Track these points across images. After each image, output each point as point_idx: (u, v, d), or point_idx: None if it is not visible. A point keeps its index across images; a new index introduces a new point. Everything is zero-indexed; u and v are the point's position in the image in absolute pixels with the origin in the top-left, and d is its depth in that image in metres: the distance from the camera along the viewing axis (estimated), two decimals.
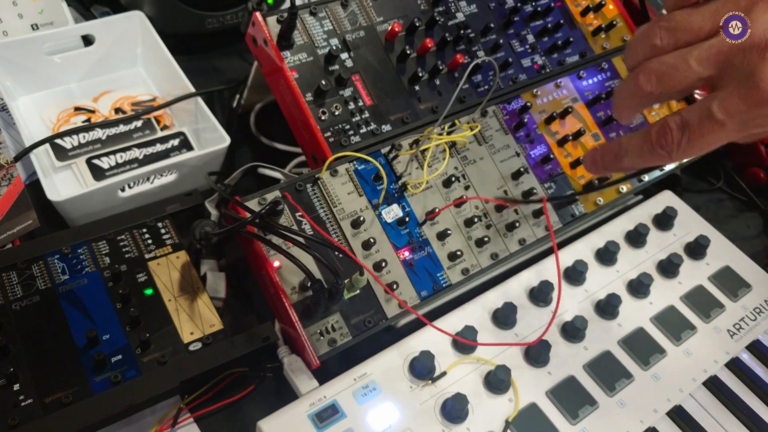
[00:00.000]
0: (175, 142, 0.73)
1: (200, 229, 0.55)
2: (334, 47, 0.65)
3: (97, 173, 0.68)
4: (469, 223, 0.64)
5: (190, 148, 0.72)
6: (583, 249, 0.67)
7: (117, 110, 0.76)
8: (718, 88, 0.40)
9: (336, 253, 0.58)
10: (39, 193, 0.61)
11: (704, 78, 0.40)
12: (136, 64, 0.81)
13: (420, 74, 0.67)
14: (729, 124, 0.39)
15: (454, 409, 0.52)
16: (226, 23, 0.83)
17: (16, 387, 0.50)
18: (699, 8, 0.40)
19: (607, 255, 0.66)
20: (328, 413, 0.51)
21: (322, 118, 0.63)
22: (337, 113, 0.63)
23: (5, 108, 0.71)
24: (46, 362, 0.52)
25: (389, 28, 0.67)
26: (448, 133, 0.66)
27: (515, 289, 0.63)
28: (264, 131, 0.77)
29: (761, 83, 0.37)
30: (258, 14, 0.63)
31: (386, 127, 0.65)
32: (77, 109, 0.75)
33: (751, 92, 0.38)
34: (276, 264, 0.56)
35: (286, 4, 0.69)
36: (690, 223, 0.72)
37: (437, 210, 0.63)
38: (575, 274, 0.64)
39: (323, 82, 0.62)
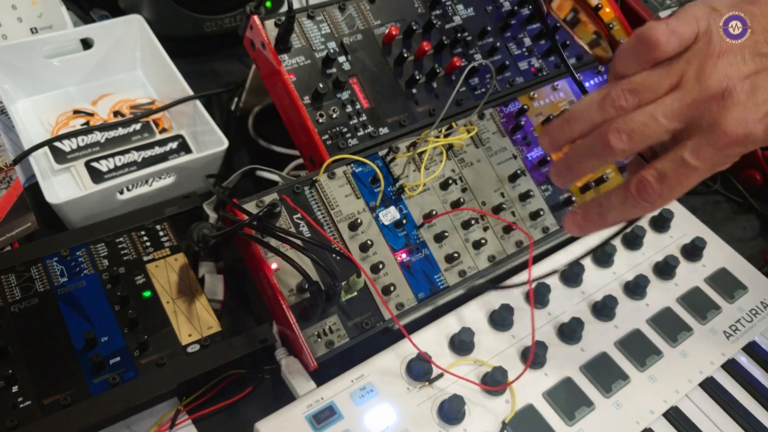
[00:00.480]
0: (174, 145, 0.73)
1: (198, 232, 0.56)
2: (332, 50, 0.65)
3: (96, 176, 0.68)
4: (466, 225, 0.64)
5: (188, 151, 0.73)
6: (580, 251, 0.67)
7: (116, 113, 0.76)
8: (686, 138, 0.43)
9: (334, 255, 0.58)
10: (38, 196, 0.61)
11: (671, 131, 0.43)
12: (134, 68, 0.81)
13: (417, 77, 0.67)
14: (702, 167, 0.42)
15: (451, 410, 0.53)
16: (225, 27, 0.84)
17: (15, 389, 0.50)
18: (655, 69, 0.43)
19: (603, 257, 0.66)
20: (326, 414, 0.52)
21: (320, 120, 0.63)
22: (334, 116, 0.64)
23: (4, 111, 0.71)
24: (44, 364, 0.52)
25: (386, 31, 0.68)
26: (445, 136, 0.66)
27: (512, 291, 0.63)
28: (262, 134, 0.78)
29: (726, 128, 0.41)
30: (256, 18, 0.63)
31: (384, 130, 0.66)
32: (76, 112, 0.75)
33: (719, 137, 0.41)
34: (273, 266, 0.57)
35: (285, 8, 0.70)
36: (686, 225, 0.72)
37: (435, 214, 0.63)
38: (572, 276, 0.64)
39: (321, 85, 0.62)
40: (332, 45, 0.66)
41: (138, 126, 0.74)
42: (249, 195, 0.58)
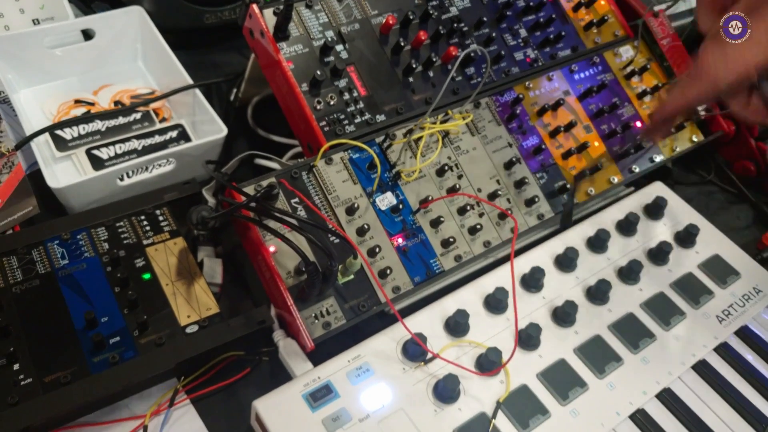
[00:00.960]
0: (174, 133, 0.74)
1: (197, 214, 0.56)
2: (330, 39, 0.66)
3: (97, 163, 0.69)
4: (462, 211, 0.65)
5: (188, 139, 0.74)
6: (575, 237, 0.68)
7: (116, 103, 0.77)
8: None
9: (331, 238, 0.59)
10: (39, 183, 0.62)
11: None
12: (135, 59, 0.82)
13: (414, 66, 0.68)
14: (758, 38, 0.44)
15: (446, 389, 0.53)
16: (224, 18, 0.85)
17: (16, 367, 0.51)
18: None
19: (597, 242, 0.67)
20: (322, 393, 0.52)
21: (318, 107, 0.64)
22: (332, 103, 0.65)
23: (7, 100, 0.72)
24: (45, 343, 0.53)
25: (384, 21, 0.69)
26: (441, 123, 0.67)
27: (507, 276, 0.63)
28: (261, 124, 0.79)
29: None
30: (255, 6, 0.64)
31: (380, 117, 0.67)
32: (77, 101, 0.76)
33: None
34: (272, 249, 0.57)
35: None
36: (680, 213, 0.73)
37: (431, 199, 0.64)
38: (566, 261, 0.65)
39: (318, 73, 0.63)
40: (330, 34, 0.67)
41: (138, 115, 0.75)
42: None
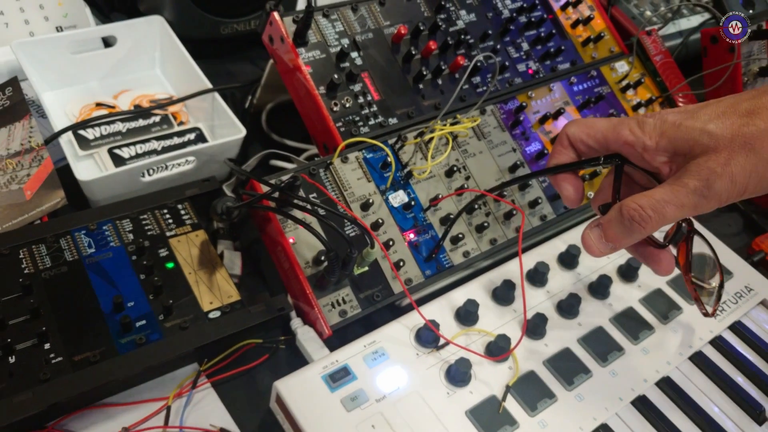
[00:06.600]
0: (192, 136, 0.77)
1: (222, 204, 0.59)
2: (345, 46, 0.70)
3: (118, 162, 0.72)
4: (470, 210, 0.69)
5: (205, 142, 0.76)
6: (577, 237, 0.71)
7: (136, 107, 0.80)
8: None
9: (347, 231, 0.62)
10: (64, 179, 0.65)
11: None
12: (153, 66, 0.85)
13: (424, 73, 0.72)
14: None
15: (459, 372, 0.56)
16: (239, 31, 0.88)
17: (47, 346, 0.53)
18: None
19: None
20: (341, 375, 0.55)
21: (334, 109, 0.67)
22: (347, 105, 0.68)
23: (35, 101, 0.75)
24: (74, 325, 0.55)
25: (396, 31, 0.73)
26: (451, 125, 0.71)
27: (514, 270, 0.66)
28: (274, 131, 0.82)
29: None
30: (275, 14, 0.68)
31: (393, 121, 0.70)
32: (98, 104, 0.79)
33: None
34: (291, 240, 0.60)
35: (299, 7, 0.75)
36: None
37: (440, 197, 0.67)
38: (568, 258, 0.68)
39: (335, 77, 0.67)
40: (346, 41, 0.71)
41: (157, 118, 0.78)
42: None
